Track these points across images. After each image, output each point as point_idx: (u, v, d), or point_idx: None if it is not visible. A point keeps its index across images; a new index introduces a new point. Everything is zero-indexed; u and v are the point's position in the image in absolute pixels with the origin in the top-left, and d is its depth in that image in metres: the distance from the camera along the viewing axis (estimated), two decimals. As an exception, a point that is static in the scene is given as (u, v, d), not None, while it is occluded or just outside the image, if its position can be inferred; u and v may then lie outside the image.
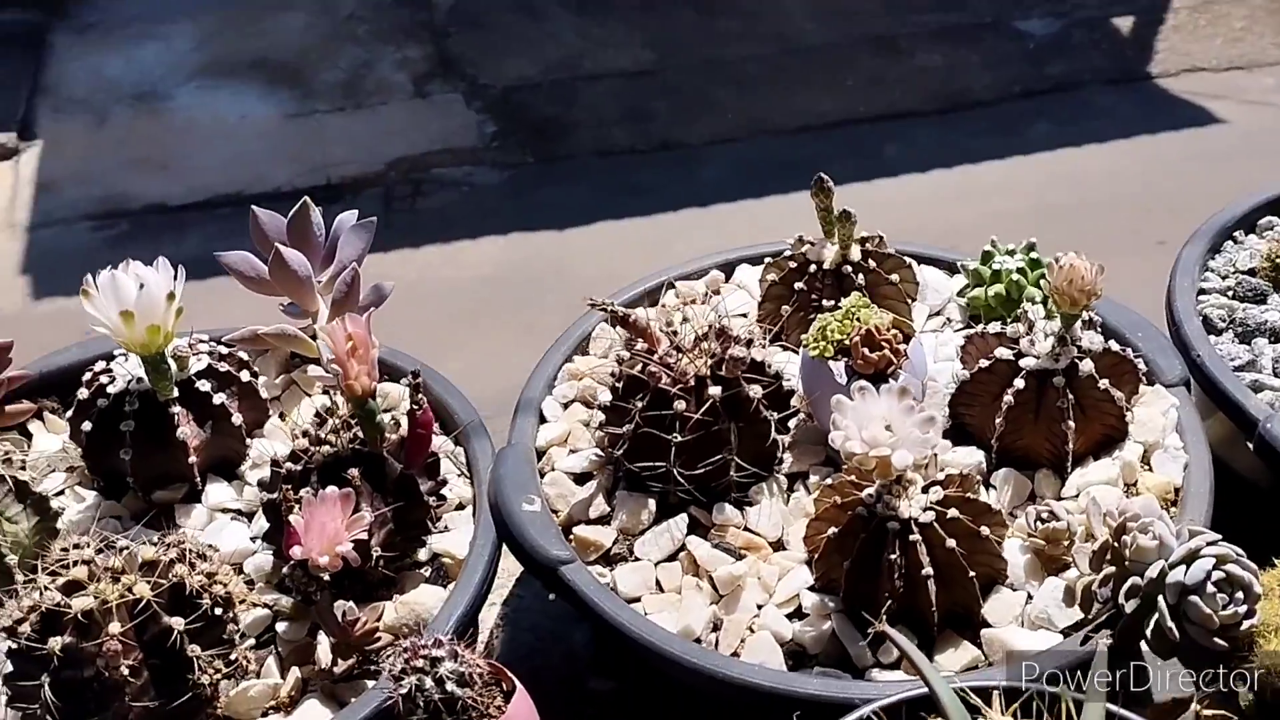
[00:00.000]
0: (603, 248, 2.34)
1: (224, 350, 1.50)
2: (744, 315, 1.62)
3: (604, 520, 1.36)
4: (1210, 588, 1.06)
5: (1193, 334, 1.50)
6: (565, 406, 1.52)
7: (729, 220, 2.43)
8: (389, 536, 1.29)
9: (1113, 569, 1.17)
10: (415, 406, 1.28)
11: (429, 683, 1.05)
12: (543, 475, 1.42)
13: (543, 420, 1.50)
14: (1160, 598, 1.09)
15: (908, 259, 1.59)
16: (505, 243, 2.39)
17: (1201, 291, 1.61)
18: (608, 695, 1.51)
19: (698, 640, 1.23)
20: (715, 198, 2.48)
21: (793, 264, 1.56)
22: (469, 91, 2.99)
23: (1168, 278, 1.60)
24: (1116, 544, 1.16)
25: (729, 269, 1.71)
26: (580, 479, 1.41)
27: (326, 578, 1.20)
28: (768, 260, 1.61)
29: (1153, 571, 1.09)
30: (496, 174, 2.65)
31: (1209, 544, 1.08)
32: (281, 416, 1.55)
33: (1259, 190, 1.74)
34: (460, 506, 1.43)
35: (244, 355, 1.53)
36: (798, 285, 1.53)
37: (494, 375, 1.70)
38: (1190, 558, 1.07)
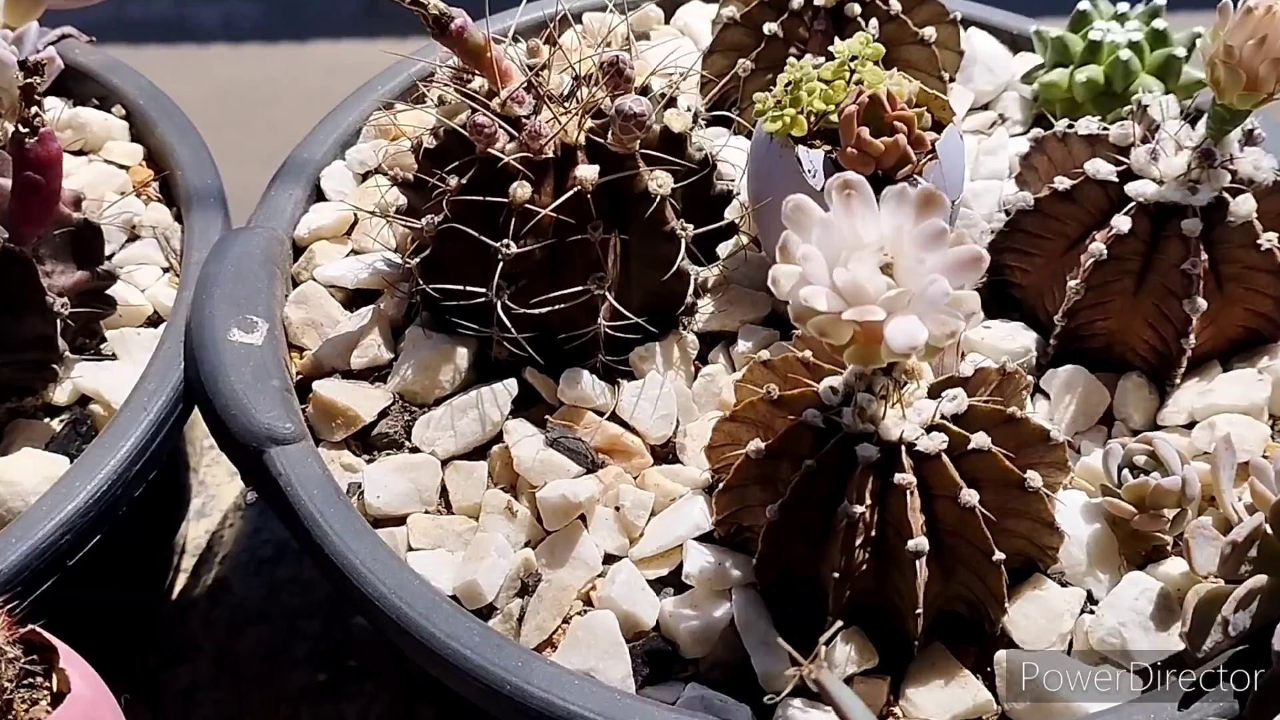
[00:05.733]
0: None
1: None
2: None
3: (377, 374, 0.80)
4: None
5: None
6: (363, 179, 0.93)
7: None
8: (-26, 360, 0.73)
9: (1263, 579, 0.63)
10: (22, 128, 0.69)
11: None
12: (296, 285, 0.84)
13: (321, 198, 0.91)
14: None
15: (952, 13, 0.99)
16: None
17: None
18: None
19: (488, 611, 0.68)
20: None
21: (766, -6, 0.96)
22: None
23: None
24: (1277, 535, 0.62)
25: (670, 6, 1.11)
26: (354, 300, 0.84)
27: None
28: (730, -9, 1.00)
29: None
30: (501, -23, 2.49)
31: None
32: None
33: None
34: (153, 322, 0.86)
35: None
36: (769, 28, 0.94)
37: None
38: None
